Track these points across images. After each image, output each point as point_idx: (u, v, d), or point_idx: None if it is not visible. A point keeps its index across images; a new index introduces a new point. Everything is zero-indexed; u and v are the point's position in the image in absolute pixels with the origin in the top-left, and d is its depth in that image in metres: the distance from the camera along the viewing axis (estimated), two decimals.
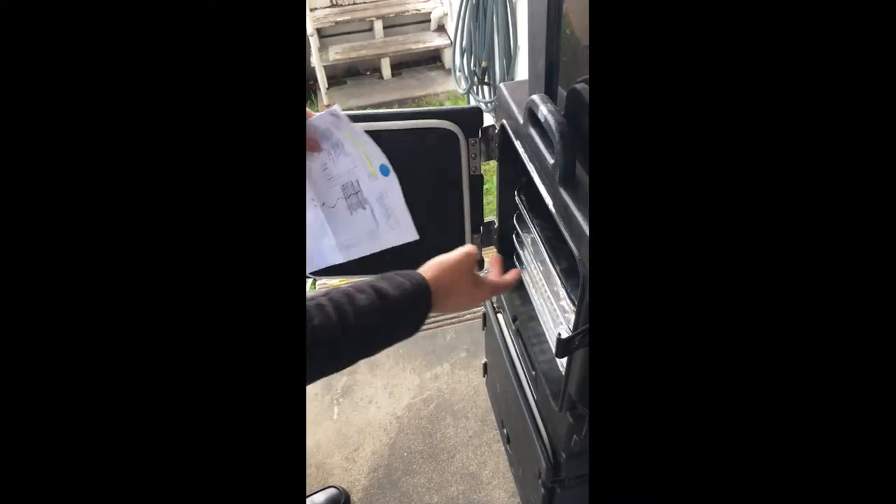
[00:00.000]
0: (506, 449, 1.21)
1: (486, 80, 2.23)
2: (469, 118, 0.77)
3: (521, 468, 1.08)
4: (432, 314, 0.63)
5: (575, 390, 0.67)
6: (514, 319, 0.95)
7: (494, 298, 1.08)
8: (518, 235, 0.86)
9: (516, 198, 0.82)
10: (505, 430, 1.16)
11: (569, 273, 0.70)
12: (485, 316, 1.12)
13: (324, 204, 0.81)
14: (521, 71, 2.06)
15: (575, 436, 0.72)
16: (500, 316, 1.05)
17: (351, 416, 1.37)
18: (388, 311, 0.57)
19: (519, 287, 0.94)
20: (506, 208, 0.87)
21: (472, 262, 0.68)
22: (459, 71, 2.26)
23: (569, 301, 0.69)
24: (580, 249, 0.54)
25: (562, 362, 0.77)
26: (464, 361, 1.47)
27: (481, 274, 0.72)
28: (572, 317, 0.69)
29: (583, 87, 0.57)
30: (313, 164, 0.78)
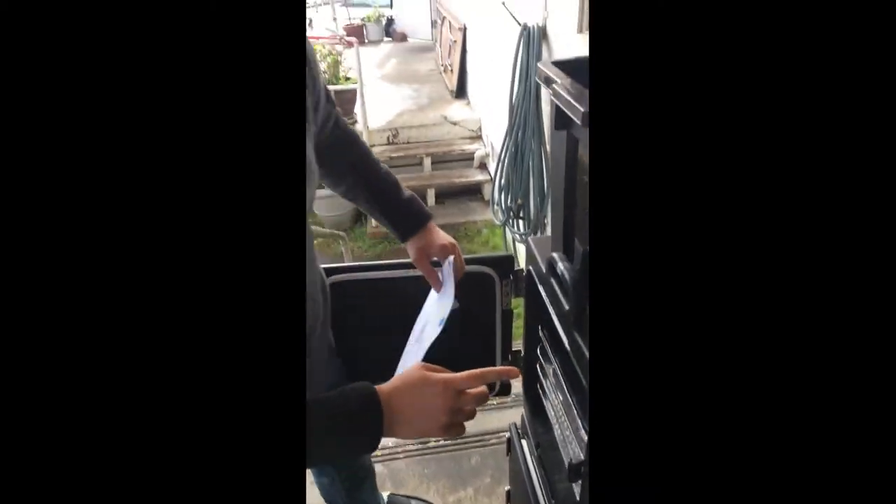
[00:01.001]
0: None
1: (521, 214, 2.46)
2: (503, 263, 0.92)
3: None
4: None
5: None
6: (538, 446, 1.00)
7: (519, 422, 1.14)
8: (541, 366, 0.96)
9: (540, 332, 0.93)
10: None
11: (584, 404, 0.78)
12: (509, 441, 1.17)
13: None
14: None
15: None
16: (524, 442, 1.10)
17: None
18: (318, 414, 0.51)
19: (541, 413, 1.01)
20: (531, 341, 0.98)
21: (437, 379, 0.57)
22: (497, 205, 2.50)
23: (583, 430, 0.76)
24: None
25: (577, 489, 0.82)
26: (488, 487, 1.47)
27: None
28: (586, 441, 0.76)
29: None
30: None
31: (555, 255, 0.74)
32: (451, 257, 0.84)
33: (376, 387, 0.55)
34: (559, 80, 0.61)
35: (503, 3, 2.53)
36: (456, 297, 0.83)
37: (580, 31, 1.80)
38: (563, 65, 0.68)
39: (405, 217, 0.84)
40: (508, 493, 1.28)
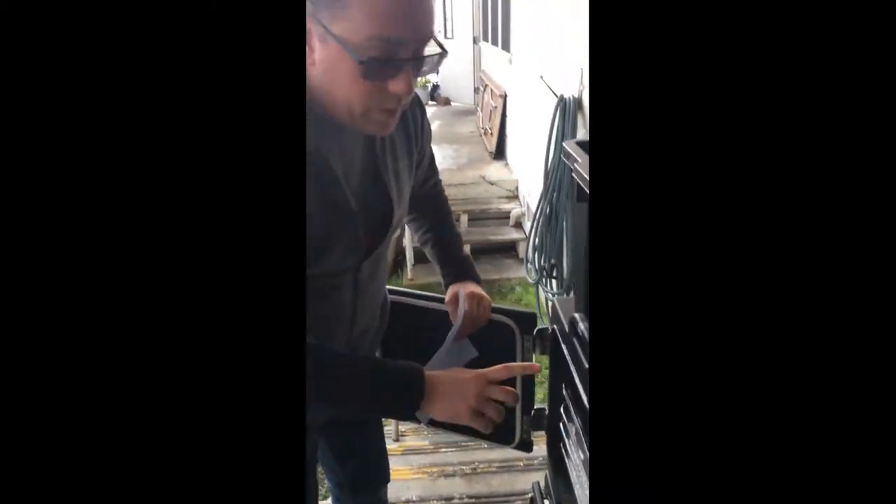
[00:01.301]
0: None
1: (553, 274, 2.49)
2: (525, 319, 0.97)
3: None
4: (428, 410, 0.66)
5: None
6: None
7: (542, 483, 1.14)
8: (564, 425, 0.98)
9: (563, 391, 0.96)
10: None
11: None
12: (532, 500, 1.17)
13: None
14: None
15: None
16: (546, 502, 1.10)
17: None
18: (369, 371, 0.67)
19: (563, 473, 1.02)
20: (555, 399, 1.00)
21: (481, 381, 0.68)
22: (531, 264, 2.55)
23: None
24: None
25: None
26: None
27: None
28: None
29: None
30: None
31: (577, 315, 0.78)
32: (464, 294, 0.90)
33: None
34: (580, 160, 0.69)
35: (541, 77, 2.68)
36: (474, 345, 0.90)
37: None
38: (585, 144, 0.76)
39: (458, 269, 0.96)
40: None
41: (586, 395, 0.74)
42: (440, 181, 0.99)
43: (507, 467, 1.70)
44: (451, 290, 0.94)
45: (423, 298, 1.02)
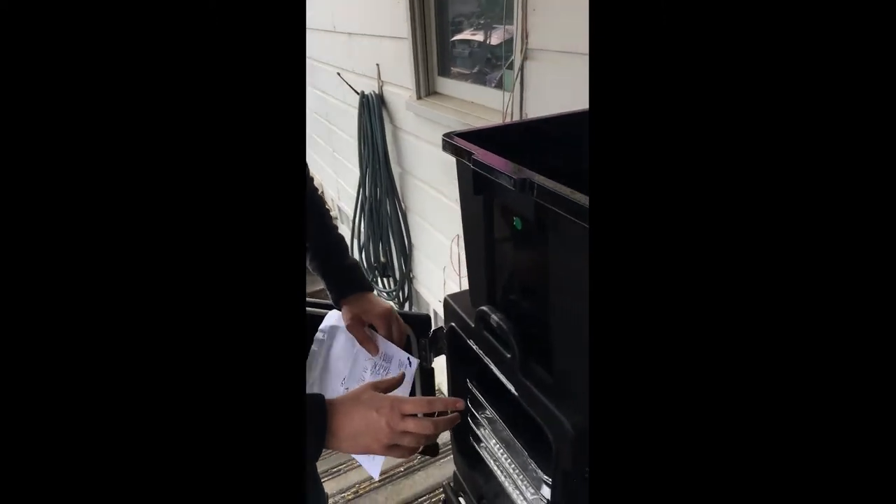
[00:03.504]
0: None
1: (385, 273, 2.48)
2: (420, 322, 0.93)
3: None
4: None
5: None
6: (480, 499, 1.01)
7: (453, 482, 1.14)
8: (474, 417, 0.98)
9: (469, 385, 0.96)
10: None
11: (533, 442, 0.82)
12: (445, 501, 1.15)
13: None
14: (419, 266, 2.34)
15: None
16: (461, 499, 1.10)
17: None
18: None
19: (475, 467, 1.02)
20: (459, 395, 1.00)
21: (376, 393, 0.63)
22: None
23: (535, 466, 0.80)
24: (549, 426, 0.68)
25: None
26: None
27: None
28: (541, 475, 0.80)
29: (516, 297, 0.77)
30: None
31: (485, 308, 0.78)
32: (376, 325, 0.85)
33: (327, 398, 0.58)
34: (475, 152, 0.68)
35: (338, 74, 2.61)
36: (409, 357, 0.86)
37: (419, 97, 1.96)
38: (468, 136, 0.75)
39: (345, 281, 0.85)
40: None
41: (510, 381, 0.75)
42: (311, 175, 0.87)
43: (388, 478, 1.65)
44: (347, 312, 0.85)
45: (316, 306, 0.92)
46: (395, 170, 2.28)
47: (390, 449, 0.61)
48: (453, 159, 0.75)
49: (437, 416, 0.67)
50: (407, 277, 2.41)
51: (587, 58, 0.49)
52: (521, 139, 0.84)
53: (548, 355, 0.70)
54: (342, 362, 0.89)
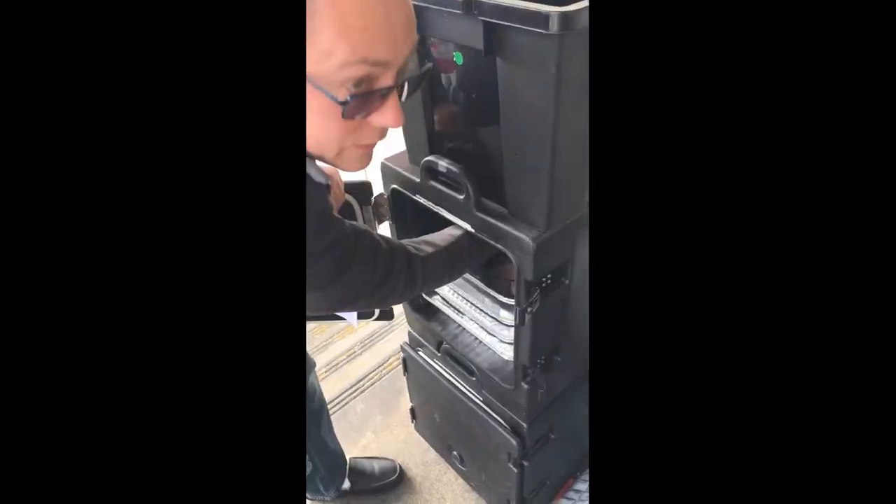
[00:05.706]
0: (459, 471, 1.33)
1: None
2: (361, 190, 0.95)
3: (483, 473, 1.22)
4: None
5: (527, 357, 0.88)
6: (440, 345, 1.12)
7: (408, 339, 1.23)
8: None
9: None
10: (455, 453, 1.29)
11: (489, 276, 0.92)
12: (405, 360, 1.25)
13: None
14: None
15: (540, 390, 0.92)
16: (420, 351, 1.20)
17: None
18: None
19: (433, 318, 1.12)
20: None
21: None
22: None
23: (493, 294, 0.91)
24: (509, 247, 0.76)
25: (505, 347, 0.97)
26: (382, 423, 1.54)
27: None
28: (506, 300, 0.92)
29: (459, 143, 0.82)
30: None
31: (431, 158, 0.81)
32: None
33: None
34: None
35: None
36: None
37: None
38: None
39: None
40: (412, 409, 1.38)
41: (468, 224, 0.81)
42: None
43: (352, 354, 1.73)
44: None
45: None
46: None
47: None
48: None
49: None
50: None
51: None
52: None
53: (500, 188, 0.76)
54: None
